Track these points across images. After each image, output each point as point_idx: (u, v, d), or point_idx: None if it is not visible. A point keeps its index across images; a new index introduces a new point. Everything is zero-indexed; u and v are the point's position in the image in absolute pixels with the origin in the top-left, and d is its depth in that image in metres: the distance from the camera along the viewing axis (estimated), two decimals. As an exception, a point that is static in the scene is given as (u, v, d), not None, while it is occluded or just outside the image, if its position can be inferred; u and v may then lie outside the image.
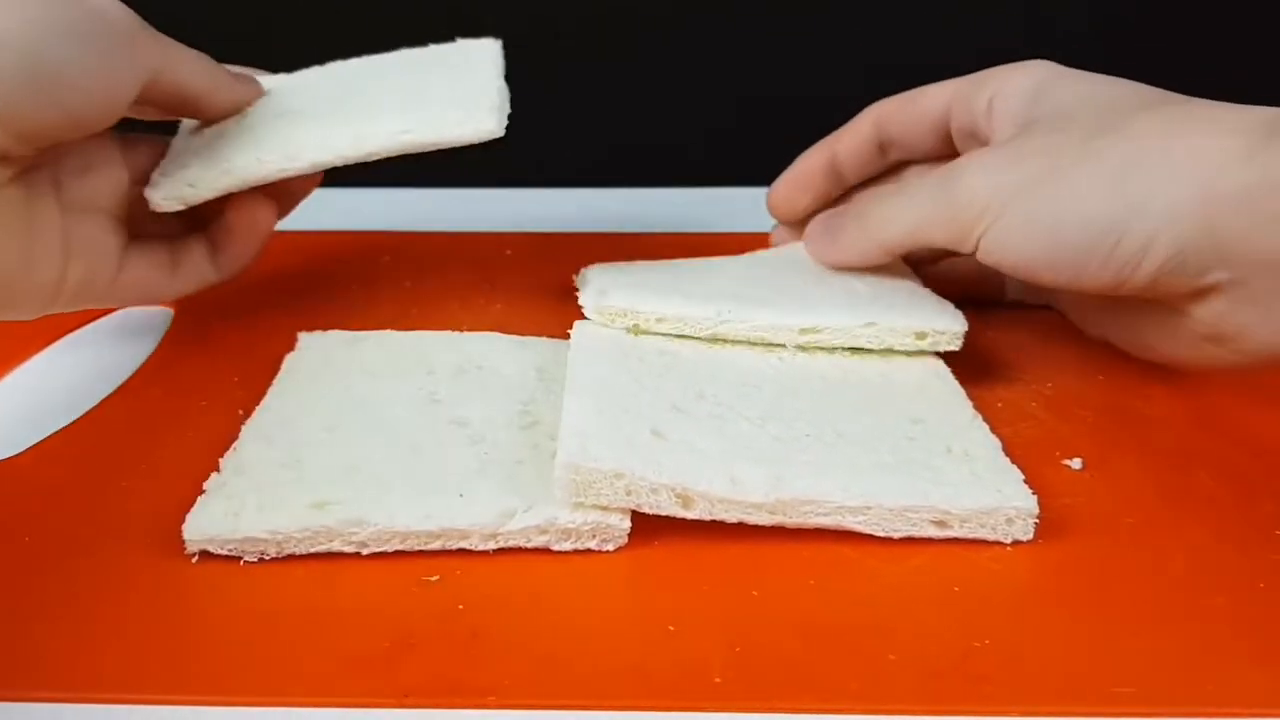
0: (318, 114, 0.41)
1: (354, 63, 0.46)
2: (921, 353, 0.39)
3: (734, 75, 0.71)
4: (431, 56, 0.45)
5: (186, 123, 0.44)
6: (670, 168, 0.69)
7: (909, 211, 0.38)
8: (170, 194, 0.40)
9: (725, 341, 0.39)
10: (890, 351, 0.39)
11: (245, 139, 0.41)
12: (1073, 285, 0.35)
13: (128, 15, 0.36)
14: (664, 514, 0.31)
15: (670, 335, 0.39)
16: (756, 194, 0.49)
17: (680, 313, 0.39)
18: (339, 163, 0.40)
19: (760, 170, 0.51)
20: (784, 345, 0.39)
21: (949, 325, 0.39)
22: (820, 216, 0.44)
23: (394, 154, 0.40)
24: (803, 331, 0.39)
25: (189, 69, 0.39)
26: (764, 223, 0.49)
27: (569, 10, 0.69)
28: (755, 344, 0.39)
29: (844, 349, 0.39)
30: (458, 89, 0.41)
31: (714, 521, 0.31)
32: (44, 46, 0.32)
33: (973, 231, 0.36)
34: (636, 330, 0.39)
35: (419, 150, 0.40)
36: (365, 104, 0.42)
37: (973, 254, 0.36)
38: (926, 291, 0.41)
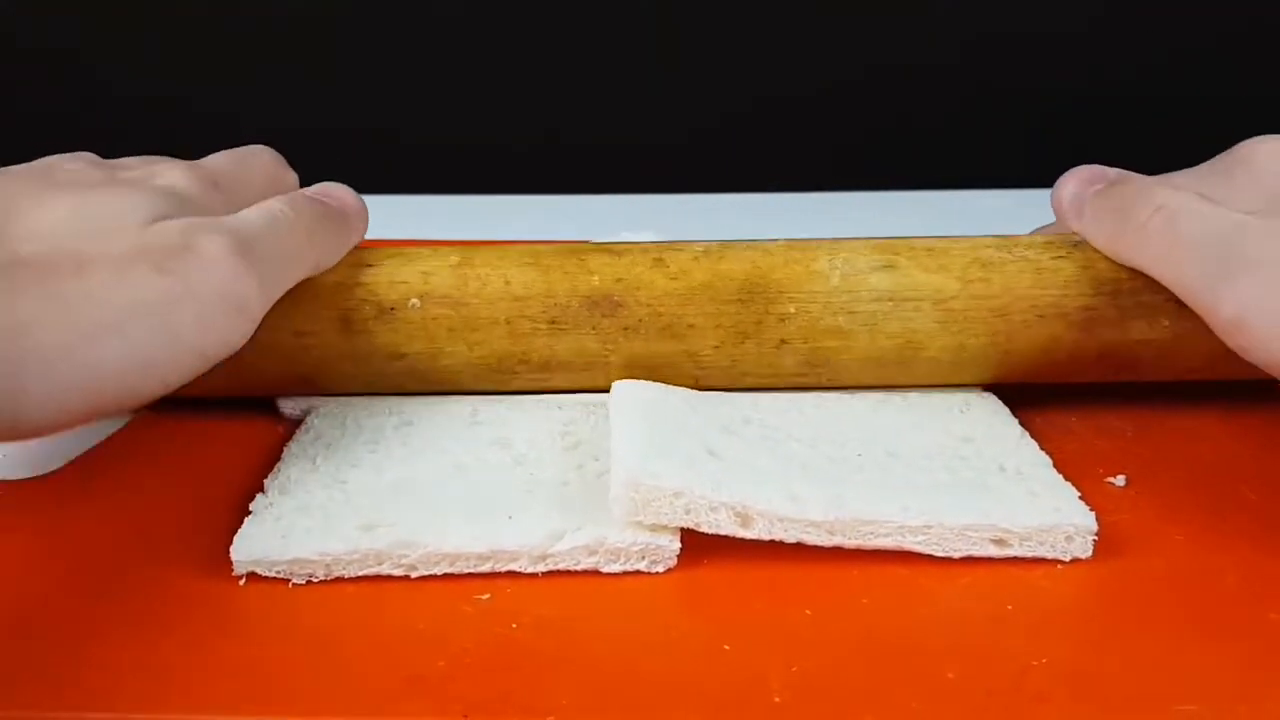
0: None
1: None
2: None
3: (732, 78, 0.71)
4: None
5: None
6: (672, 170, 0.69)
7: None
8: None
9: None
10: None
11: None
12: None
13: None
14: (721, 533, 0.30)
15: None
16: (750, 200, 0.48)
17: None
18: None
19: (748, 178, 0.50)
20: None
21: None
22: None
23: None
24: None
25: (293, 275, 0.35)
26: (751, 230, 0.48)
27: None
28: None
29: None
30: None
31: (759, 543, 0.31)
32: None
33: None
34: None
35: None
36: None
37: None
38: None
